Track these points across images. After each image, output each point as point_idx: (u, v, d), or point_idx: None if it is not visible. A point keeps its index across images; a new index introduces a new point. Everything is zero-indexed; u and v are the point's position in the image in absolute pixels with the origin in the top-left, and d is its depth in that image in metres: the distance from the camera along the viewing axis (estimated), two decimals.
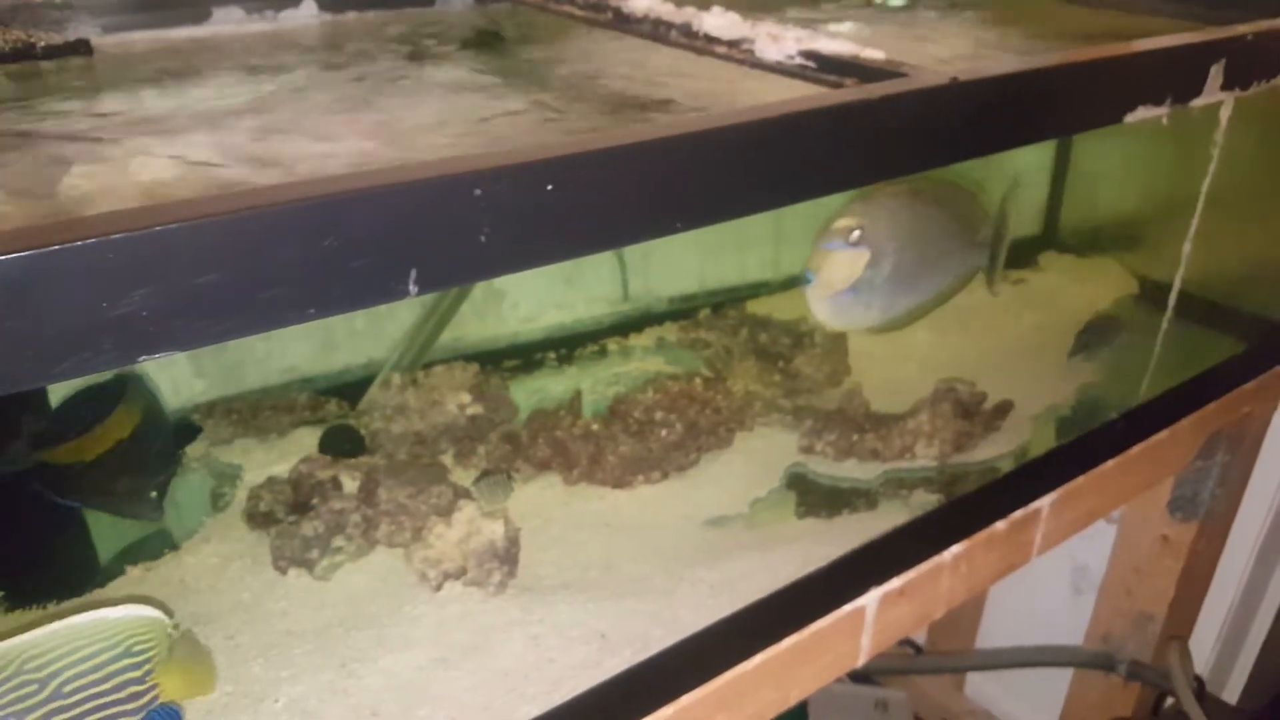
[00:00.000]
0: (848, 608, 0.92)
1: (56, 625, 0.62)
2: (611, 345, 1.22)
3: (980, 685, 1.89)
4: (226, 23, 1.09)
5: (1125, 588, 1.41)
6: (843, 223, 0.92)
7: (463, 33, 1.06)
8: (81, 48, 1.01)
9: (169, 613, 0.67)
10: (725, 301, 1.26)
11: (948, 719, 1.89)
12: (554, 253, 0.60)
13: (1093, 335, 1.19)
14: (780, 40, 0.84)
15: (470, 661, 0.78)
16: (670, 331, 1.24)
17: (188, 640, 0.70)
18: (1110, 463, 1.11)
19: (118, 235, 0.44)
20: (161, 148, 0.69)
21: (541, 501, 0.96)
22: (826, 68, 0.81)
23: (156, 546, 0.92)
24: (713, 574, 0.89)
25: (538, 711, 0.75)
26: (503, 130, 0.74)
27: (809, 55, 0.82)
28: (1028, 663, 1.56)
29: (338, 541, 0.85)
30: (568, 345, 1.21)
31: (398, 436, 0.97)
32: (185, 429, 1.05)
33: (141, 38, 1.06)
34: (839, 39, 0.84)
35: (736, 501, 0.97)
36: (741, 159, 0.64)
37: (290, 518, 0.87)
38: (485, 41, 1.04)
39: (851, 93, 0.71)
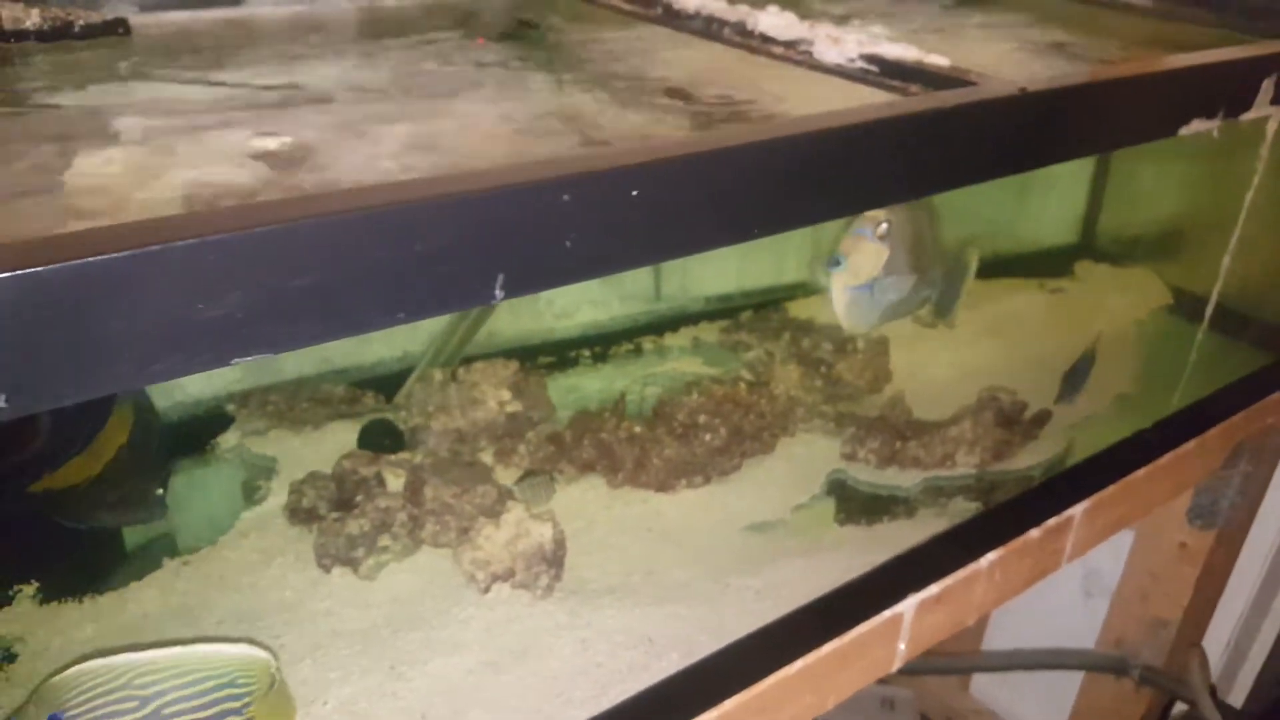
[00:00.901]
0: (886, 614, 0.91)
1: (173, 650, 0.65)
2: (647, 344, 1.21)
3: (985, 685, 1.90)
4: (263, 4, 1.08)
5: (1141, 593, 1.42)
6: (873, 214, 0.91)
7: (503, 22, 1.05)
8: (119, 27, 0.99)
9: (275, 654, 0.69)
10: (761, 303, 1.25)
11: (953, 718, 1.90)
12: (635, 258, 0.60)
13: (1076, 378, 1.17)
14: (841, 43, 0.84)
15: (519, 666, 0.78)
16: (706, 332, 1.23)
17: (280, 680, 0.70)
18: (1140, 471, 1.11)
19: (216, 237, 0.43)
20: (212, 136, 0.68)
21: (584, 503, 0.95)
22: (890, 73, 0.80)
23: (188, 540, 0.91)
24: (756, 580, 0.89)
25: (585, 716, 0.75)
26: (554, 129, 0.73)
27: (871, 59, 0.82)
28: (1040, 665, 1.56)
29: (383, 540, 0.84)
30: (602, 343, 1.21)
31: (438, 433, 0.96)
32: (216, 418, 1.03)
33: (177, 18, 1.05)
34: (900, 43, 0.83)
35: (778, 507, 0.97)
36: (824, 164, 0.64)
37: (333, 515, 0.86)
38: (524, 34, 1.03)
39: (931, 99, 0.71)
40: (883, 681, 1.78)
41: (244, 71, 0.87)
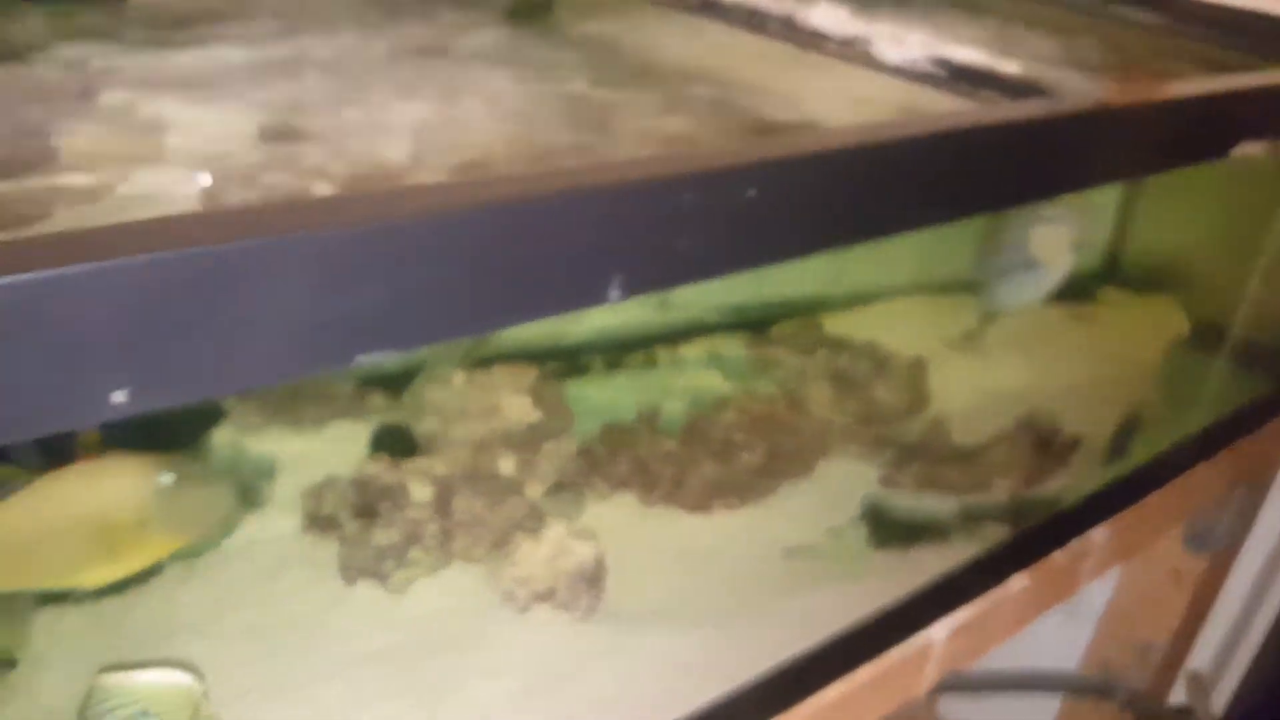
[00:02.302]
0: (919, 639, 0.90)
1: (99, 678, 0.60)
2: (661, 354, 1.16)
3: (954, 703, 1.88)
4: None
5: (1129, 617, 1.42)
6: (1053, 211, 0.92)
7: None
8: None
9: (200, 676, 0.64)
10: (779, 314, 1.21)
11: None
12: (748, 259, 0.56)
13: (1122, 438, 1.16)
14: (903, 43, 0.81)
15: (560, 691, 0.74)
16: (725, 344, 1.19)
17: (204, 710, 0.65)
18: (1153, 496, 1.12)
19: (347, 230, 0.39)
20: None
21: (616, 521, 0.91)
22: (959, 77, 0.78)
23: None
24: (795, 604, 0.86)
25: None
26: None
27: (938, 62, 0.79)
28: (1022, 685, 1.56)
29: (414, 553, 0.79)
30: (614, 350, 1.16)
31: (456, 440, 0.91)
32: (207, 411, 0.97)
33: None
34: (967, 45, 0.81)
35: (813, 532, 0.94)
36: (931, 168, 0.62)
37: (357, 524, 0.81)
38: (532, 13, 0.98)
39: (1032, 108, 0.68)
40: None
41: (241, 41, 0.83)
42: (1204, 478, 1.19)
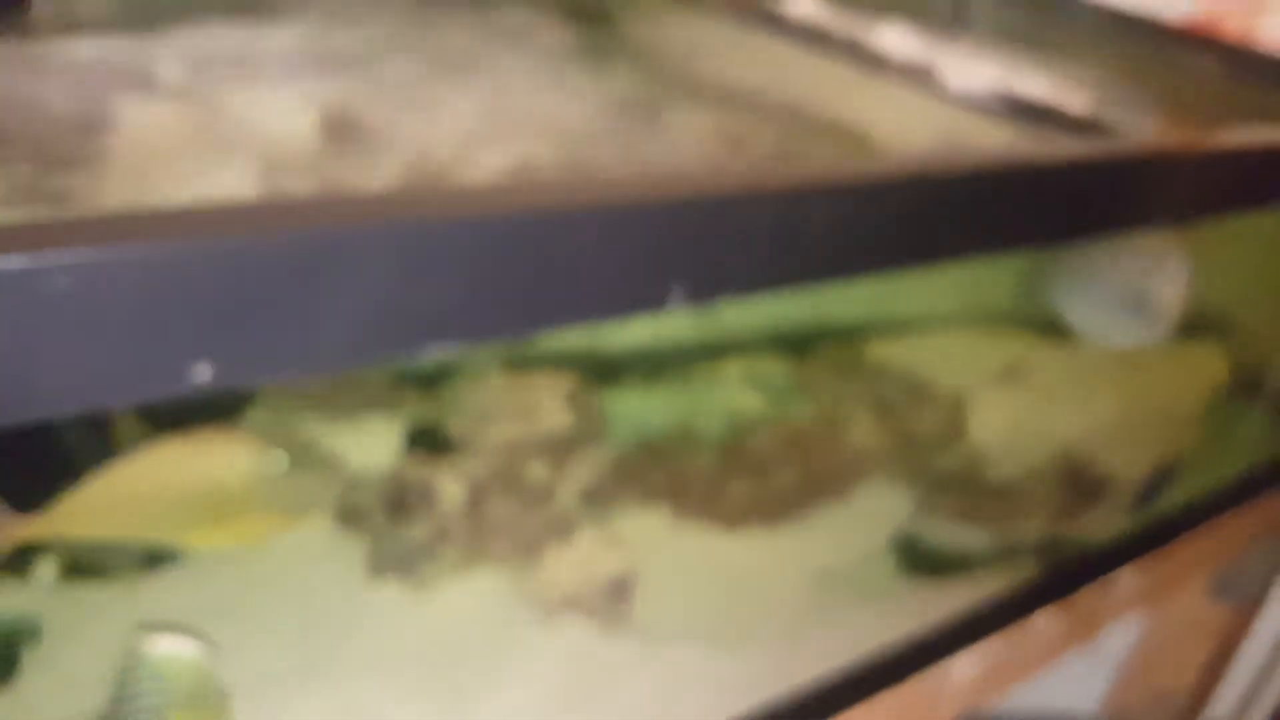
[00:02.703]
0: (939, 670, 0.91)
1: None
2: (698, 369, 1.16)
3: None
4: None
5: (1150, 664, 1.41)
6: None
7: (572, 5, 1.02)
8: None
9: (213, 651, 0.65)
10: (819, 336, 1.21)
11: None
12: (807, 277, 0.57)
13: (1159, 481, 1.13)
14: (971, 72, 0.81)
15: (589, 701, 0.74)
16: (763, 363, 1.18)
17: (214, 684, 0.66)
18: (1181, 540, 1.11)
19: (426, 224, 0.40)
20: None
21: (645, 535, 0.91)
22: (1022, 111, 0.78)
23: None
24: (822, 627, 0.87)
25: None
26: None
27: (1002, 95, 0.79)
28: None
29: (445, 552, 0.79)
30: (649, 363, 1.15)
31: (490, 441, 0.91)
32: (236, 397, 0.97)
33: None
34: (1033, 78, 0.81)
35: (844, 557, 0.94)
36: (986, 201, 0.62)
37: (388, 521, 0.81)
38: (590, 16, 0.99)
39: (1089, 148, 0.69)
40: None
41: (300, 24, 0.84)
42: (1233, 528, 1.19)
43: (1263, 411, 1.17)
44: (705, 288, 0.52)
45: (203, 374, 0.34)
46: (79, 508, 0.65)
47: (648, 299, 0.50)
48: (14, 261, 0.31)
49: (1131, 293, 0.95)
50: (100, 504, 0.66)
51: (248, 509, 0.68)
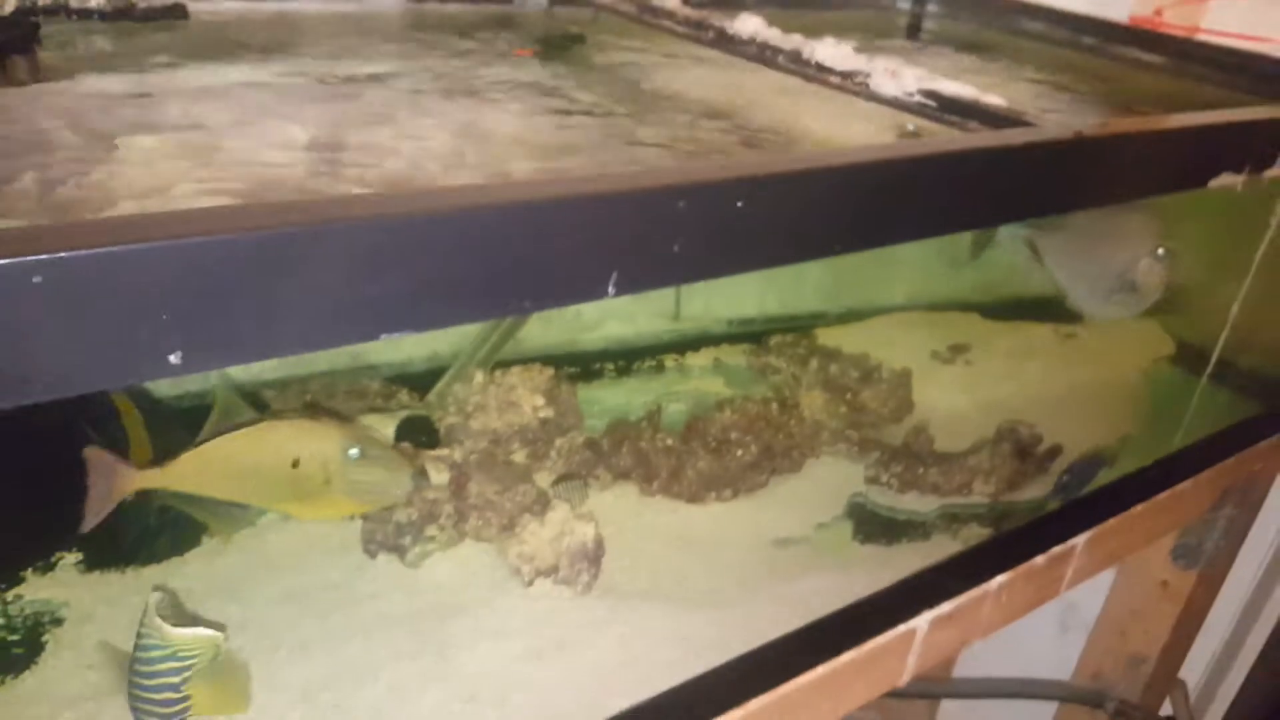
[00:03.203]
0: (900, 628, 0.95)
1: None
2: (668, 361, 1.24)
3: (953, 714, 1.93)
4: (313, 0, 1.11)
5: (1120, 629, 1.46)
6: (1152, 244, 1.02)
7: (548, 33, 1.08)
8: (177, 12, 1.02)
9: (221, 628, 0.70)
10: (781, 328, 1.28)
11: None
12: (734, 265, 0.62)
13: (1078, 476, 1.15)
14: (899, 76, 0.87)
15: (563, 656, 0.81)
16: (728, 353, 1.26)
17: (229, 659, 0.73)
18: (1138, 507, 1.16)
19: (374, 222, 0.46)
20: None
21: (617, 509, 0.98)
22: (948, 109, 0.84)
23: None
24: (784, 589, 0.92)
25: (627, 705, 0.77)
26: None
27: (929, 95, 0.85)
28: (1016, 694, 1.60)
29: (430, 530, 0.86)
30: (625, 358, 1.23)
31: (474, 432, 0.98)
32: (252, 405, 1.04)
33: (233, 7, 1.07)
34: (957, 81, 0.87)
35: (803, 524, 1.01)
36: (907, 189, 0.67)
37: None
38: (567, 46, 1.05)
39: (1008, 136, 0.74)
40: None
41: (294, 61, 0.90)
42: (1190, 494, 1.23)
43: (1212, 383, 1.22)
44: (639, 276, 0.57)
45: (175, 360, 0.41)
46: (192, 467, 0.75)
47: (585, 288, 0.55)
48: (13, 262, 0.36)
49: (1121, 274, 1.02)
50: (212, 466, 0.76)
51: (327, 490, 0.77)
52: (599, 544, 0.87)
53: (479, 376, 1.02)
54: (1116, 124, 0.83)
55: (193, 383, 0.97)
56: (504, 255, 0.50)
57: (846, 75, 0.90)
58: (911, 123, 0.82)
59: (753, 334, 1.30)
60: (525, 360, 1.10)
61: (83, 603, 0.83)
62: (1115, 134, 0.81)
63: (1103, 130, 0.80)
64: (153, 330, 0.41)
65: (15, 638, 0.79)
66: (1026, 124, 0.81)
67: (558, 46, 1.06)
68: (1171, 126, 0.89)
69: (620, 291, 0.56)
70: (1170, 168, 0.89)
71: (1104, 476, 1.15)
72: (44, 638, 0.79)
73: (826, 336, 1.29)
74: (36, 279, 0.38)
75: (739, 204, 0.59)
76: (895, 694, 1.75)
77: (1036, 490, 1.10)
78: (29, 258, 0.37)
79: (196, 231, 0.41)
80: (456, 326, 0.54)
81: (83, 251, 0.38)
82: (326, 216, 0.44)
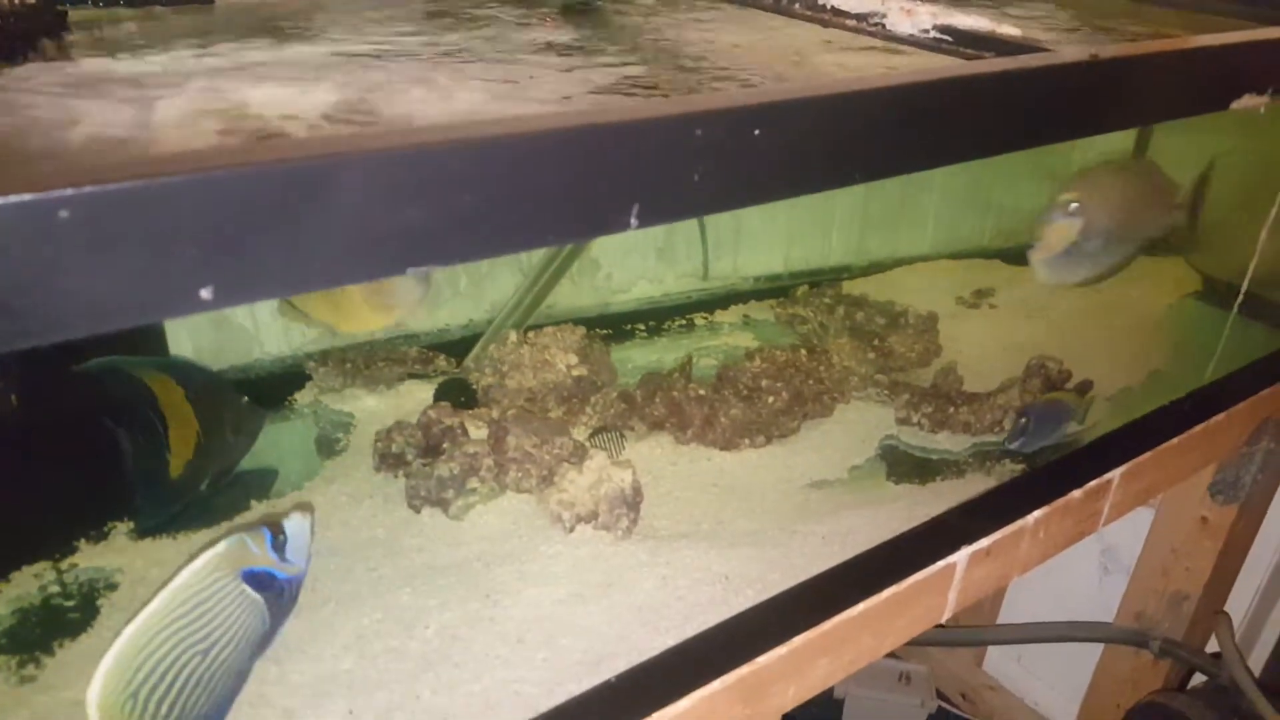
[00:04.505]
0: (940, 564, 0.96)
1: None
2: (699, 320, 1.25)
3: (999, 661, 1.94)
4: None
5: (1161, 568, 1.46)
6: (1065, 197, 1.00)
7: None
8: None
9: None
10: (807, 282, 1.30)
11: (966, 692, 1.94)
12: (755, 195, 0.63)
13: (1031, 423, 1.04)
14: (914, 14, 0.88)
15: (606, 597, 0.82)
16: (757, 310, 1.28)
17: None
18: (1173, 441, 1.16)
19: (401, 153, 0.47)
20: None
21: (652, 458, 1.00)
22: (963, 42, 0.84)
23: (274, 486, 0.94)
24: (821, 528, 0.93)
25: (671, 642, 0.78)
26: None
27: (945, 30, 0.86)
28: (1060, 637, 1.61)
29: (471, 483, 0.88)
30: (656, 318, 1.25)
31: (511, 391, 1.00)
32: (295, 375, 1.07)
33: None
34: (972, 15, 0.87)
35: (836, 467, 1.02)
36: (920, 116, 0.68)
37: (421, 460, 0.90)
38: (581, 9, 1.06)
39: (1025, 60, 0.74)
40: (897, 656, 1.82)
41: (322, 42, 0.91)
42: (1225, 428, 1.23)
43: (1243, 317, 1.22)
44: (660, 207, 0.58)
45: (206, 294, 0.41)
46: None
47: (607, 219, 0.56)
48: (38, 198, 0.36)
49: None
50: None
51: (358, 307, 0.81)
52: (637, 489, 0.89)
53: (513, 336, 1.04)
54: (1133, 46, 0.82)
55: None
56: (527, 187, 0.51)
57: (862, 18, 0.91)
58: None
59: (780, 289, 1.31)
60: (557, 322, 1.12)
61: (134, 567, 0.85)
62: (1131, 56, 0.81)
63: (1119, 53, 0.80)
64: (182, 265, 0.42)
65: (70, 603, 0.82)
66: (1042, 50, 0.81)
67: (575, 11, 1.07)
68: (1189, 46, 0.88)
69: (643, 223, 0.57)
70: (1190, 90, 0.88)
71: (1137, 409, 1.15)
72: (98, 602, 0.82)
73: (851, 288, 1.30)
74: (63, 214, 0.38)
75: (756, 132, 0.60)
76: (942, 642, 1.78)
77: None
78: (54, 193, 0.37)
79: (223, 164, 0.42)
80: (482, 260, 0.55)
81: (109, 186, 0.39)
82: (352, 149, 0.45)
